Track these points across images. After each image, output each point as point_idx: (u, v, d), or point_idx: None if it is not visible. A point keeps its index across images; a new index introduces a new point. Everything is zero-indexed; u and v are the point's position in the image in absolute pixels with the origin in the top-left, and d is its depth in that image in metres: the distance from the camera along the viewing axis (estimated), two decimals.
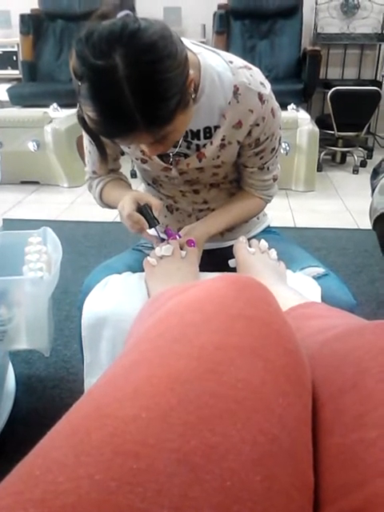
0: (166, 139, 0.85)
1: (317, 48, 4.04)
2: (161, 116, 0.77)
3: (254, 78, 0.96)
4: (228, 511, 0.29)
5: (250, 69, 0.97)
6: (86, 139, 1.09)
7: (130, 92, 0.72)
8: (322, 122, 3.88)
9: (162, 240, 1.01)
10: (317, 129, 3.41)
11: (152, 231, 1.01)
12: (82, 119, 0.83)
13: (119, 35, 0.71)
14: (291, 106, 3.56)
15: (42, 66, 4.37)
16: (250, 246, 1.03)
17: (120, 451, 0.30)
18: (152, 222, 0.96)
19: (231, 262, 1.05)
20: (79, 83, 0.75)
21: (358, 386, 0.38)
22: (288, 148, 3.29)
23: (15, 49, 4.51)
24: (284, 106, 3.44)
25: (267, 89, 0.97)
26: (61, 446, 0.31)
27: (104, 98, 0.74)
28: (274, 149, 1.06)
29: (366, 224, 1.63)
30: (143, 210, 0.96)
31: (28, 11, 4.34)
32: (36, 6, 4.33)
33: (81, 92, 0.76)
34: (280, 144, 1.08)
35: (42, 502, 0.27)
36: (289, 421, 0.36)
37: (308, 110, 4.06)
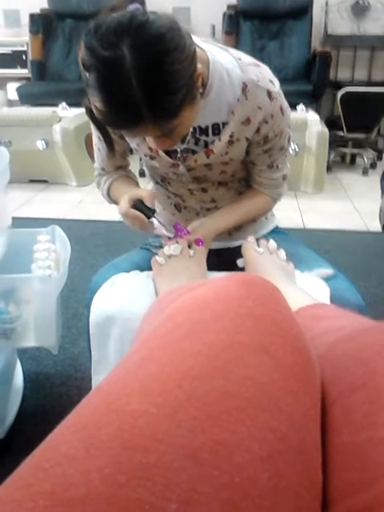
0: (173, 133, 0.85)
1: (327, 49, 4.03)
2: (167, 108, 0.78)
3: (263, 75, 0.96)
4: (236, 507, 0.29)
5: (259, 66, 0.98)
6: (95, 136, 1.10)
7: (137, 83, 0.72)
8: (331, 123, 3.87)
9: (170, 238, 1.02)
10: (326, 130, 3.40)
11: (158, 227, 1.02)
12: (89, 110, 0.84)
13: (127, 27, 0.72)
14: (300, 107, 3.55)
15: (51, 65, 4.38)
16: (258, 246, 1.03)
17: (129, 446, 0.30)
18: (147, 213, 0.97)
19: (239, 262, 1.05)
20: (87, 74, 0.76)
21: (367, 385, 0.38)
22: (297, 149, 3.28)
23: (25, 48, 4.52)
24: (293, 107, 3.43)
25: (276, 86, 0.97)
26: (70, 440, 0.31)
27: (111, 88, 0.75)
28: (282, 147, 1.06)
29: (376, 226, 1.64)
30: (137, 204, 0.97)
31: (38, 11, 4.37)
32: (46, 5, 4.35)
33: (89, 83, 0.76)
34: (289, 143, 1.08)
35: (52, 494, 0.27)
36: (297, 419, 0.36)
37: (317, 111, 4.04)
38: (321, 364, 0.44)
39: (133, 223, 0.98)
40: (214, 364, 0.36)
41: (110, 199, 1.20)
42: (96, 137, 1.11)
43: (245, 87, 0.95)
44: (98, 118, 0.81)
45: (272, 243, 1.04)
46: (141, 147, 1.07)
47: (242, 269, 1.03)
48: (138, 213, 0.96)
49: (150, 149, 1.05)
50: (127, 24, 0.72)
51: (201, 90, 0.89)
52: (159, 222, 1.04)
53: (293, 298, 0.75)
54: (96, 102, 0.77)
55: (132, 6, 0.76)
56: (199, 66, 0.82)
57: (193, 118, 0.88)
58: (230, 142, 1.01)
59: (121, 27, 0.72)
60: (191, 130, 1.00)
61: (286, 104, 1.01)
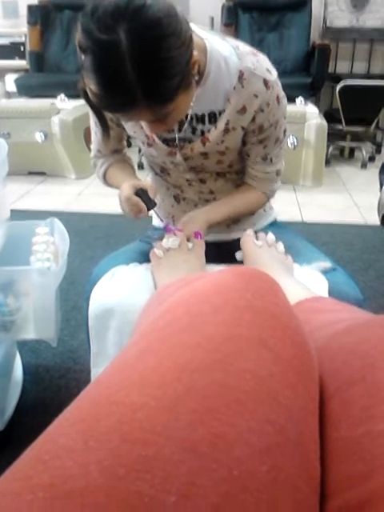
0: (167, 118, 0.85)
1: (326, 42, 4.01)
2: (162, 93, 0.78)
3: (260, 63, 0.96)
4: (234, 500, 0.29)
5: (256, 55, 0.98)
6: (92, 120, 1.10)
7: (132, 67, 0.72)
8: (330, 116, 3.86)
9: (161, 238, 1.02)
10: (325, 123, 3.39)
11: (154, 217, 1.03)
12: (84, 92, 0.83)
13: (124, 10, 0.71)
14: (299, 100, 3.54)
15: (49, 56, 4.36)
16: (257, 239, 1.03)
17: (128, 438, 0.30)
18: (149, 204, 0.98)
19: (238, 255, 1.05)
20: (83, 56, 0.76)
21: (365, 378, 0.39)
22: (296, 142, 3.27)
23: (23, 39, 4.50)
24: (292, 100, 3.42)
25: (273, 75, 0.97)
26: (69, 432, 0.31)
27: (106, 71, 0.75)
28: (277, 139, 1.06)
29: (374, 219, 1.63)
30: (140, 193, 0.98)
31: (36, 2, 4.35)
32: None
33: (84, 65, 0.76)
34: (285, 136, 1.08)
35: (51, 486, 0.28)
36: (295, 412, 0.36)
37: (316, 104, 4.03)
38: (319, 357, 0.44)
39: (131, 209, 0.99)
40: (213, 357, 0.36)
41: (105, 182, 1.21)
42: (93, 121, 1.11)
43: (241, 75, 0.95)
44: (92, 100, 0.81)
45: (271, 236, 1.04)
46: (138, 134, 1.07)
47: (241, 262, 1.03)
48: (140, 201, 0.97)
49: (147, 136, 1.05)
50: (124, 7, 0.71)
51: (197, 78, 0.89)
52: (157, 215, 1.04)
53: (291, 291, 0.76)
54: (91, 84, 0.77)
55: None
56: (196, 53, 0.82)
57: (187, 103, 0.88)
58: (226, 131, 1.01)
59: (118, 10, 0.71)
60: (188, 118, 1.00)
61: (282, 94, 1.01)
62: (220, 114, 1.00)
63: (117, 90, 0.76)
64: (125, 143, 1.22)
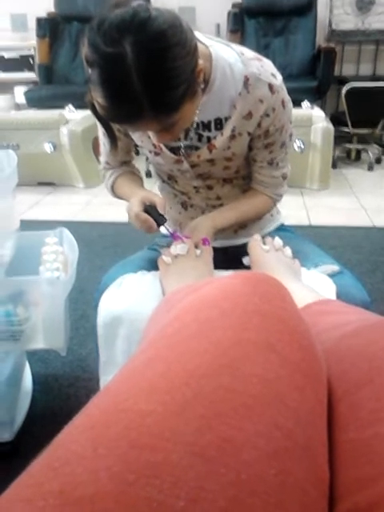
0: (174, 127, 0.86)
1: (331, 45, 4.01)
2: (168, 104, 0.79)
3: (265, 68, 0.97)
4: (242, 504, 0.29)
5: (261, 60, 0.98)
6: (100, 131, 1.11)
7: (138, 79, 0.73)
8: (336, 118, 3.85)
9: (173, 233, 1.03)
10: (331, 126, 3.38)
11: (162, 229, 1.02)
12: (92, 105, 0.85)
13: (129, 23, 0.73)
14: (305, 104, 3.54)
15: (58, 68, 4.40)
16: (264, 244, 1.03)
17: (137, 444, 0.30)
18: (159, 220, 0.98)
19: (245, 260, 1.05)
20: (90, 70, 0.77)
21: (373, 381, 0.38)
22: (302, 145, 3.27)
23: (32, 52, 4.55)
24: (298, 104, 3.42)
25: (278, 80, 0.98)
26: (79, 439, 0.32)
27: (113, 84, 0.76)
28: (283, 143, 1.06)
29: (382, 222, 1.62)
30: (149, 209, 0.98)
31: (44, 15, 4.39)
32: (52, 9, 4.37)
33: (91, 78, 0.77)
34: (291, 140, 1.08)
35: (61, 493, 0.28)
36: (304, 415, 0.36)
37: (322, 107, 4.03)
38: (327, 359, 0.44)
39: (140, 226, 0.99)
40: (221, 362, 0.36)
41: (113, 193, 1.22)
42: (101, 132, 1.12)
43: (246, 81, 0.95)
44: (100, 113, 0.82)
45: (278, 241, 1.04)
46: (145, 143, 1.08)
47: (248, 266, 1.03)
48: (149, 218, 0.97)
49: (154, 145, 1.06)
50: (129, 21, 0.73)
51: (202, 86, 0.89)
52: (168, 230, 1.04)
53: (299, 294, 0.75)
54: (98, 97, 0.78)
55: (136, 2, 0.77)
56: (201, 61, 0.83)
57: (193, 112, 0.89)
58: (232, 137, 1.02)
59: (123, 24, 0.73)
60: (194, 125, 1.00)
61: (287, 98, 1.01)
62: (226, 120, 1.01)
63: (123, 102, 0.77)
64: (133, 154, 1.23)
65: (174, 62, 0.75)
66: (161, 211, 0.98)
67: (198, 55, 0.82)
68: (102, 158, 1.20)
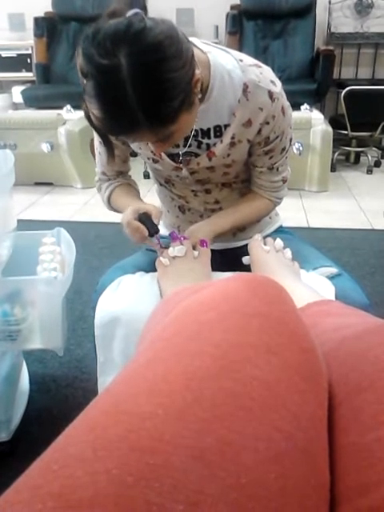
0: (171, 137, 0.85)
1: (330, 48, 4.02)
2: (164, 115, 0.78)
3: (264, 75, 0.96)
4: (243, 508, 0.29)
5: (260, 67, 0.97)
6: (97, 140, 1.10)
7: (134, 91, 0.72)
8: (335, 121, 3.86)
9: (165, 248, 1.01)
10: (330, 129, 3.39)
11: (154, 239, 1.01)
12: (88, 116, 0.84)
13: (124, 34, 0.72)
14: (304, 106, 3.54)
15: (55, 68, 4.40)
16: (264, 244, 1.03)
17: (136, 447, 0.30)
18: (151, 229, 0.97)
19: (245, 260, 1.04)
20: (85, 81, 0.76)
21: (375, 384, 0.38)
22: (301, 148, 3.28)
23: (29, 51, 4.55)
24: (297, 106, 3.43)
25: (278, 87, 0.97)
26: (78, 442, 0.31)
27: (108, 96, 0.75)
28: (283, 149, 1.05)
29: (380, 224, 1.63)
30: (142, 218, 0.97)
31: (42, 14, 4.39)
32: (50, 8, 4.36)
33: (86, 90, 0.77)
34: (291, 145, 1.08)
35: (60, 495, 0.28)
36: (304, 419, 0.36)
37: (321, 110, 4.04)
38: (328, 362, 0.44)
39: (132, 234, 0.98)
40: (221, 364, 0.36)
41: (110, 206, 1.20)
42: (97, 141, 1.11)
43: (246, 88, 0.95)
44: (95, 124, 0.82)
45: (278, 242, 1.03)
46: (143, 151, 1.08)
47: (248, 266, 1.03)
48: (141, 226, 0.96)
49: (153, 152, 1.05)
50: (124, 32, 0.72)
51: (200, 96, 0.88)
52: (159, 242, 1.02)
53: (299, 295, 0.75)
54: (93, 109, 0.78)
55: (131, 12, 0.76)
56: (198, 71, 0.82)
57: (191, 122, 0.88)
58: (232, 144, 1.01)
59: (118, 35, 0.72)
60: (193, 133, 1.00)
61: (287, 104, 1.00)
62: (225, 127, 1.00)
63: (119, 114, 0.77)
64: (129, 165, 1.21)
65: (170, 73, 0.74)
66: (155, 221, 0.97)
67: (195, 65, 0.81)
68: (98, 169, 1.18)
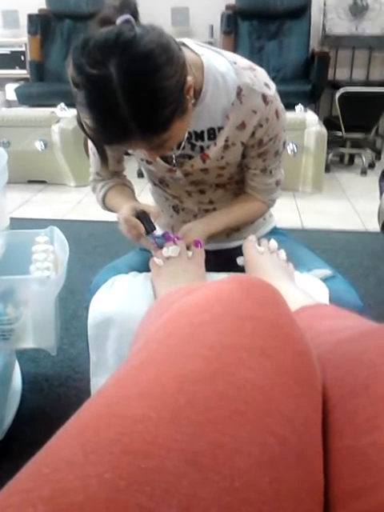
0: (164, 145, 0.85)
1: (325, 49, 4.03)
2: (156, 124, 0.78)
3: (258, 78, 0.95)
4: None
5: (254, 70, 0.97)
6: (90, 141, 1.10)
7: (125, 101, 0.72)
8: (329, 123, 3.87)
9: (160, 247, 1.01)
10: (325, 130, 3.40)
11: (150, 238, 1.01)
12: (81, 124, 0.84)
13: (114, 44, 0.71)
14: (299, 107, 3.55)
15: (49, 65, 4.38)
16: (259, 245, 1.03)
17: (129, 450, 0.30)
18: (149, 228, 0.97)
19: (239, 260, 1.04)
20: (76, 90, 0.76)
21: (370, 388, 0.38)
22: (296, 149, 3.28)
23: (23, 48, 4.53)
24: (292, 107, 3.43)
25: (272, 90, 0.96)
26: (70, 445, 0.31)
27: (99, 106, 0.75)
28: (277, 152, 1.05)
29: (374, 226, 1.63)
30: (140, 215, 0.97)
31: (36, 11, 4.36)
32: (44, 5, 4.34)
33: (78, 100, 0.77)
34: (284, 148, 1.08)
35: (51, 499, 0.27)
36: (298, 422, 0.35)
37: (316, 111, 4.04)
38: (322, 365, 0.44)
39: (129, 231, 0.98)
40: (214, 367, 0.36)
41: (104, 206, 1.19)
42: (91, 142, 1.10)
43: (240, 91, 0.94)
44: (88, 133, 0.82)
45: (273, 243, 1.03)
46: (137, 153, 1.07)
47: (242, 267, 1.02)
48: (139, 223, 0.96)
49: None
50: (114, 40, 0.71)
51: (193, 101, 0.88)
52: (155, 241, 1.02)
53: (293, 298, 0.75)
54: (85, 118, 0.78)
55: (121, 18, 0.75)
56: (189, 78, 0.81)
57: (184, 129, 0.88)
58: (226, 147, 1.01)
59: (107, 45, 0.71)
60: (187, 135, 0.99)
61: (281, 107, 1.00)
62: (219, 130, 0.99)
63: (111, 124, 0.77)
64: (124, 165, 1.20)
65: (161, 82, 0.74)
66: (153, 219, 0.97)
67: (187, 72, 0.81)
68: (92, 170, 1.18)
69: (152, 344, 0.41)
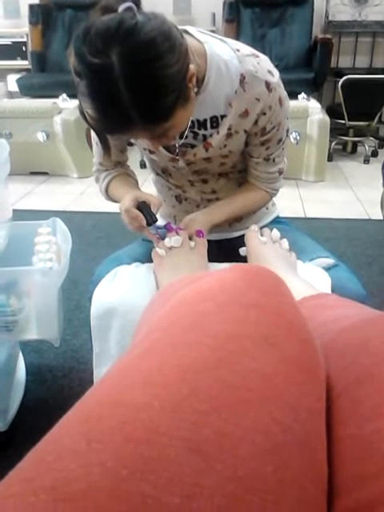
0: (167, 134, 0.84)
1: (328, 36, 3.99)
2: (158, 113, 0.77)
3: (261, 66, 0.94)
4: (240, 501, 0.28)
5: (258, 57, 0.96)
6: (93, 131, 1.09)
7: (126, 90, 0.72)
8: (332, 111, 3.85)
9: (162, 238, 1.00)
10: (327, 118, 3.38)
11: (152, 229, 1.00)
12: (83, 113, 0.83)
13: (115, 33, 0.71)
14: (302, 95, 3.53)
15: (51, 56, 4.36)
16: (261, 235, 1.02)
17: (131, 439, 0.29)
18: (150, 219, 0.96)
19: (242, 250, 1.04)
20: (78, 79, 0.76)
21: (375, 376, 0.38)
22: (298, 137, 3.27)
23: (24, 39, 4.50)
24: (294, 95, 3.40)
25: (275, 77, 0.95)
26: (72, 433, 0.31)
27: (101, 96, 0.75)
28: (280, 140, 1.04)
29: (377, 214, 1.63)
30: (141, 206, 0.96)
31: (37, 1, 4.35)
32: None
33: (79, 89, 0.76)
34: (287, 136, 1.07)
35: (53, 488, 0.27)
36: (302, 411, 0.35)
37: (319, 99, 4.01)
38: (326, 353, 0.44)
39: (130, 222, 0.97)
40: (218, 355, 0.36)
41: (107, 196, 1.18)
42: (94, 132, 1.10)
43: (242, 79, 0.93)
44: (90, 123, 0.81)
45: (275, 233, 1.03)
46: (139, 142, 1.07)
47: (244, 257, 1.02)
48: (140, 214, 0.96)
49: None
50: (115, 29, 0.71)
51: (196, 89, 0.87)
52: (157, 232, 1.01)
53: (296, 288, 0.75)
54: (87, 108, 0.77)
55: (123, 6, 0.75)
56: (192, 66, 0.81)
57: (187, 117, 0.87)
58: (229, 135, 1.00)
59: (109, 33, 0.71)
60: (189, 124, 0.99)
61: (284, 95, 0.99)
62: (222, 118, 0.99)
63: (112, 114, 0.76)
64: (127, 155, 1.20)
65: (163, 70, 0.73)
66: (154, 211, 0.96)
67: (189, 60, 0.80)
68: (95, 160, 1.17)
69: (155, 333, 0.41)
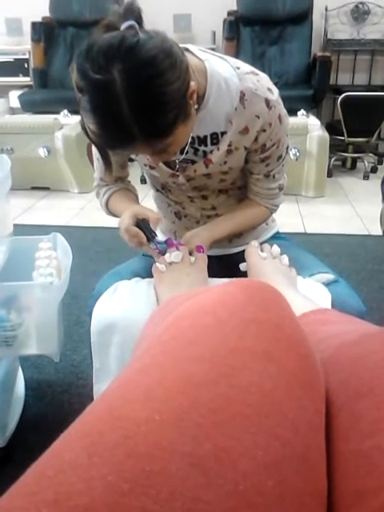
0: (168, 150, 0.85)
1: (327, 54, 4.04)
2: (159, 129, 0.78)
3: (261, 83, 0.96)
4: None
5: (257, 75, 0.97)
6: (95, 148, 1.10)
7: (128, 106, 0.73)
8: (332, 127, 3.87)
9: (163, 254, 1.01)
10: (327, 134, 3.40)
11: (152, 244, 1.01)
12: (85, 129, 0.84)
13: (117, 49, 0.72)
14: (301, 112, 3.56)
15: (52, 72, 4.41)
16: (261, 251, 1.03)
17: (133, 453, 0.30)
18: (150, 236, 0.97)
19: (242, 266, 1.04)
20: (80, 95, 0.77)
21: (374, 391, 0.38)
22: (298, 154, 3.29)
23: (26, 56, 4.56)
24: (294, 112, 3.44)
25: (274, 95, 0.97)
26: (74, 448, 0.31)
27: (103, 111, 0.76)
28: (280, 156, 1.05)
29: (377, 230, 1.63)
30: (141, 224, 0.97)
31: (39, 19, 4.40)
32: (47, 13, 4.37)
33: (81, 104, 0.77)
34: (287, 152, 1.08)
35: (55, 502, 0.27)
36: (302, 425, 0.35)
37: (318, 116, 4.05)
38: (326, 368, 0.44)
39: (130, 240, 0.98)
40: (218, 370, 0.36)
41: (108, 211, 1.19)
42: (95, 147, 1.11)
43: (242, 96, 0.94)
44: (92, 138, 0.82)
45: (275, 248, 1.03)
46: (140, 158, 1.08)
47: (245, 273, 1.02)
48: (140, 232, 0.96)
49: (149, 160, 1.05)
50: (117, 46, 0.72)
51: (196, 106, 0.88)
52: (157, 248, 1.02)
53: (296, 303, 0.75)
54: (89, 123, 0.78)
55: (125, 24, 0.76)
56: (193, 83, 0.82)
57: (187, 134, 0.88)
58: (229, 152, 1.01)
59: (111, 50, 0.72)
60: (190, 140, 1.00)
61: (284, 112, 1.00)
62: (222, 134, 1.00)
63: (114, 130, 0.77)
64: (128, 170, 1.21)
65: (164, 87, 0.74)
66: (153, 227, 0.97)
67: (190, 77, 0.82)
68: (96, 175, 1.18)
69: (155, 347, 0.41)
